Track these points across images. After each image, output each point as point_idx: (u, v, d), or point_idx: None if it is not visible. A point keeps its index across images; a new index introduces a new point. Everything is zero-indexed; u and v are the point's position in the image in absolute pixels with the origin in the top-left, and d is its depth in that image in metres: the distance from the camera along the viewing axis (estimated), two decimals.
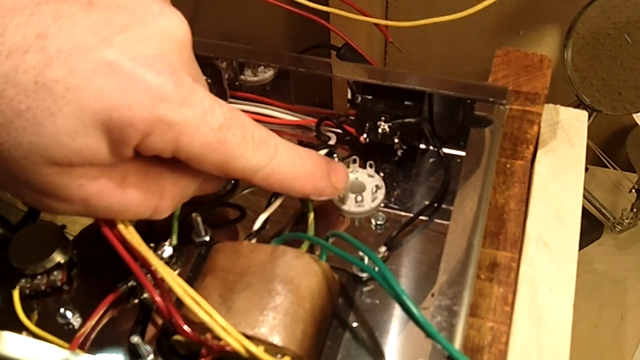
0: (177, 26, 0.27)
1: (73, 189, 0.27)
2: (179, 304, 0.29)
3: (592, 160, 0.82)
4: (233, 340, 0.28)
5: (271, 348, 0.28)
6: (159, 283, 0.29)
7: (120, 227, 0.30)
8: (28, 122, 0.24)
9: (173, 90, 0.26)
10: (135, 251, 0.29)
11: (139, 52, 0.25)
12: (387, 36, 0.53)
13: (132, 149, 0.26)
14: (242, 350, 0.28)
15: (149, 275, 0.30)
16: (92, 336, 0.33)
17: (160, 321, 0.33)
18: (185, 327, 0.29)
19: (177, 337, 0.30)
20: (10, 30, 0.24)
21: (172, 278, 0.29)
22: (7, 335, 0.29)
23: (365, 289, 0.34)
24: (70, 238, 0.37)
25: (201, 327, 0.28)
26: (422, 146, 0.42)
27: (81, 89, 0.24)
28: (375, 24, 0.48)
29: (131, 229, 0.30)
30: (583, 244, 0.78)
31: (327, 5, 0.51)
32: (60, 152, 0.25)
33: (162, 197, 0.30)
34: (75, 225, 0.38)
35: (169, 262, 0.35)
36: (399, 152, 0.41)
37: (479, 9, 0.43)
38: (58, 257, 0.35)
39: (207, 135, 0.27)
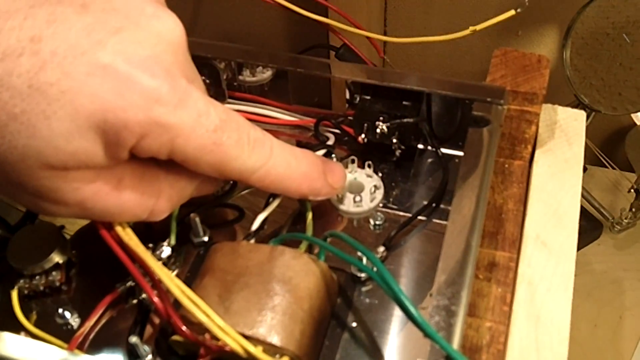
0: (171, 28, 0.27)
1: (69, 192, 0.27)
2: (178, 304, 0.29)
3: (591, 160, 0.82)
4: (231, 340, 0.28)
5: (270, 348, 0.28)
6: (157, 284, 0.29)
7: (118, 229, 0.30)
8: (23, 125, 0.24)
9: (168, 92, 0.26)
10: (132, 253, 0.29)
11: (134, 54, 0.25)
12: (379, 51, 0.54)
13: (128, 151, 0.26)
14: (240, 351, 0.28)
15: (147, 277, 0.30)
16: (91, 336, 0.33)
17: (158, 321, 0.33)
18: (184, 328, 0.29)
19: (176, 338, 0.30)
20: (4, 34, 0.24)
21: (170, 279, 0.29)
22: (6, 335, 0.29)
23: (364, 289, 0.34)
24: (69, 238, 0.37)
25: (199, 328, 0.28)
26: (421, 146, 0.42)
27: (76, 91, 0.24)
28: (368, 38, 0.49)
29: (129, 230, 0.30)
30: (582, 244, 0.78)
31: (326, 14, 0.52)
32: (55, 155, 0.25)
33: (159, 199, 0.29)
34: (74, 226, 0.38)
35: (167, 262, 0.35)
36: (397, 152, 0.41)
37: (478, 29, 0.43)
38: (56, 258, 0.35)
39: (203, 137, 0.27)
